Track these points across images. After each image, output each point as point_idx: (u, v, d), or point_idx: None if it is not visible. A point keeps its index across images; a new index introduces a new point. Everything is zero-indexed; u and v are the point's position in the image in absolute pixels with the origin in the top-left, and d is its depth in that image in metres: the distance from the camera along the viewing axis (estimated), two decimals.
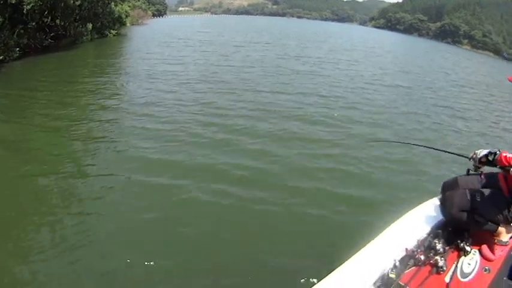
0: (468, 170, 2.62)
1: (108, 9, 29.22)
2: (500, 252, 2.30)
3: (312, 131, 9.07)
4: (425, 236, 2.40)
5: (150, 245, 4.48)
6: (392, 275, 2.03)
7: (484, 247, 2.32)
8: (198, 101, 10.91)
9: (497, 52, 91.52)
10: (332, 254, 3.60)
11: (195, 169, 6.54)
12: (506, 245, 2.34)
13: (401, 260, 2.17)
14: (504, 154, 2.23)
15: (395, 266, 2.11)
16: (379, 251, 2.21)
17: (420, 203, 2.75)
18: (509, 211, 2.29)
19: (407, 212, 2.64)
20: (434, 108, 13.24)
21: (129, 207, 5.21)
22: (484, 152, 2.41)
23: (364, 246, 2.26)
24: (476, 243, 2.36)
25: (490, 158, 2.32)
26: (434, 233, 2.41)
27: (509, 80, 2.41)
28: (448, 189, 2.59)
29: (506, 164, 2.21)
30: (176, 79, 13.55)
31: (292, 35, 43.24)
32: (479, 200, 2.32)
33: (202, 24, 52.62)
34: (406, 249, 2.23)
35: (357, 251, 2.22)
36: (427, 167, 7.45)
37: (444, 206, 2.53)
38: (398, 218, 2.56)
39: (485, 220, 2.31)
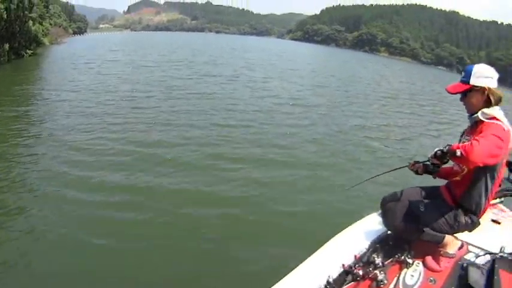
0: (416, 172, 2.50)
1: (25, 28, 28.95)
2: (446, 264, 2.25)
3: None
4: (363, 251, 2.35)
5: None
6: None
7: (429, 258, 2.27)
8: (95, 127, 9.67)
9: (415, 57, 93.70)
10: (267, 272, 3.35)
11: (121, 190, 6.17)
12: (452, 257, 2.27)
13: (338, 276, 2.16)
14: (453, 144, 2.10)
15: (329, 282, 2.09)
16: (314, 268, 2.19)
17: (358, 219, 2.73)
18: (455, 220, 2.24)
19: (346, 228, 2.62)
20: (359, 130, 11.51)
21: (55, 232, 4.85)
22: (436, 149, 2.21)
23: (300, 264, 2.22)
24: (420, 255, 2.31)
25: (444, 149, 2.08)
26: (373, 247, 2.37)
27: (447, 90, 2.29)
28: (389, 202, 2.48)
29: (454, 148, 2.00)
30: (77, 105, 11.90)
31: (206, 51, 41.17)
32: (423, 210, 2.28)
33: (118, 43, 49.68)
34: (343, 265, 2.19)
35: (292, 269, 2.18)
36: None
37: (386, 218, 2.41)
38: (336, 235, 2.54)
39: (431, 230, 2.25)
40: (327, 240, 2.46)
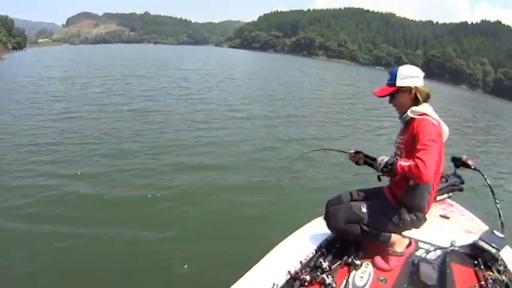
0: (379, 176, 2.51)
1: None
2: (396, 263, 2.25)
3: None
4: (310, 256, 2.33)
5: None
6: None
7: (377, 258, 2.27)
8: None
9: (353, 59, 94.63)
10: (212, 284, 3.47)
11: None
12: (401, 255, 2.30)
13: (286, 283, 2.11)
14: (399, 163, 2.15)
15: None
16: (260, 277, 2.14)
17: (304, 224, 2.74)
18: (400, 218, 2.27)
19: (291, 234, 2.61)
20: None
21: None
22: (385, 160, 2.25)
23: (244, 274, 2.19)
24: (368, 256, 2.32)
25: (389, 167, 2.20)
26: (320, 252, 2.35)
27: (374, 94, 2.40)
28: (332, 205, 2.49)
29: (400, 171, 2.13)
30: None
31: (143, 63, 36.81)
32: (365, 210, 2.29)
33: (56, 58, 43.85)
34: (289, 271, 2.14)
35: (237, 280, 2.15)
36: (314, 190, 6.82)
37: (329, 221, 2.41)
38: (281, 241, 2.52)
39: (376, 230, 2.29)
40: (272, 248, 2.41)
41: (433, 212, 2.69)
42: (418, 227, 2.35)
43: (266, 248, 2.40)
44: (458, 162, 3.14)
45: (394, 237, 2.28)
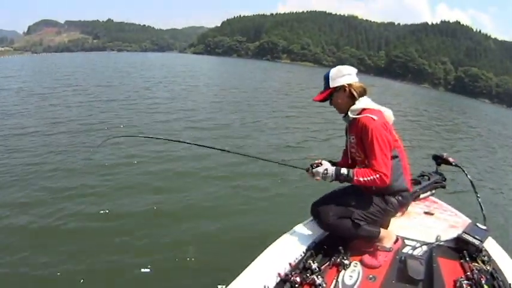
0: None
1: None
2: (384, 258, 2.31)
3: None
4: (299, 258, 2.36)
5: None
6: None
7: (366, 256, 2.34)
8: None
9: (316, 61, 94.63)
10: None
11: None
12: (389, 251, 2.36)
13: (276, 286, 2.15)
14: (356, 178, 2.24)
15: None
16: (249, 281, 2.15)
17: (292, 227, 2.72)
18: (387, 203, 2.35)
19: (280, 237, 2.61)
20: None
21: None
22: (331, 171, 2.32)
23: (235, 278, 2.19)
24: (356, 255, 2.38)
25: (348, 177, 2.27)
26: (309, 253, 2.39)
27: (315, 100, 2.46)
28: (321, 205, 2.49)
29: (359, 184, 2.26)
30: None
31: (104, 72, 33.26)
32: (354, 203, 2.34)
33: (15, 68, 37.97)
34: (279, 274, 2.18)
35: (228, 284, 2.17)
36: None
37: (321, 220, 2.44)
38: (269, 245, 2.52)
39: (367, 220, 2.34)
40: (261, 252, 2.42)
41: (417, 209, 2.88)
42: (407, 207, 2.63)
43: (255, 252, 2.38)
44: (439, 160, 3.25)
45: (383, 232, 2.33)
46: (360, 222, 2.28)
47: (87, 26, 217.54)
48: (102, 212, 5.29)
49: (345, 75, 2.27)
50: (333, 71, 2.31)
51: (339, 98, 2.30)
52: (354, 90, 2.26)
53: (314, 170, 2.30)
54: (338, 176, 2.23)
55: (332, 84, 2.28)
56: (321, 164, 2.31)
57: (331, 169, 2.24)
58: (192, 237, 4.80)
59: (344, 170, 2.21)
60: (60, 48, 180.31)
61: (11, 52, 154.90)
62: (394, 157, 2.27)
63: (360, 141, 2.23)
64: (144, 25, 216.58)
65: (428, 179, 3.22)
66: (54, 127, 10.73)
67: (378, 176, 2.11)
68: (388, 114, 2.29)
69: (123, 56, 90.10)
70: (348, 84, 2.27)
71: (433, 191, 3.27)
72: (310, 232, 2.57)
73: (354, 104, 2.26)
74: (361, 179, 2.16)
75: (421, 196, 3.13)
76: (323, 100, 2.35)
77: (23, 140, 9.25)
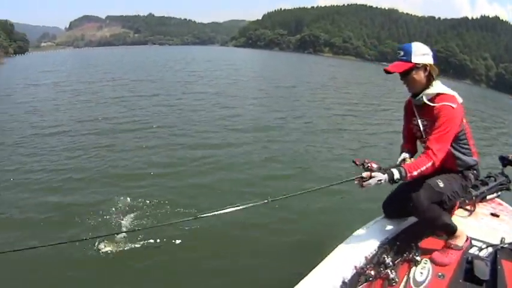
0: None
1: None
2: (453, 257, 2.33)
3: None
4: (373, 252, 2.45)
5: None
6: None
7: (436, 254, 2.36)
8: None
9: (358, 55, 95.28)
10: (282, 278, 3.33)
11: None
12: (460, 250, 2.37)
13: (351, 278, 2.23)
14: (409, 175, 2.20)
15: (344, 283, 2.17)
16: (328, 272, 2.25)
17: (365, 223, 2.82)
18: (465, 179, 2.42)
19: (354, 231, 2.71)
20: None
21: None
22: (384, 178, 2.21)
23: (312, 269, 2.28)
24: (427, 252, 2.41)
25: (400, 175, 2.20)
26: (382, 248, 2.48)
27: (386, 70, 2.31)
28: (411, 192, 2.36)
29: (413, 178, 2.23)
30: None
31: (147, 66, 35.35)
32: (443, 185, 2.33)
33: (56, 62, 43.22)
34: (355, 266, 2.27)
35: (306, 274, 2.23)
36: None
37: (415, 208, 2.34)
38: (345, 239, 2.62)
39: (453, 200, 2.44)
40: (338, 244, 2.51)
41: (484, 210, 2.88)
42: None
43: (332, 244, 2.51)
44: (505, 161, 3.15)
45: (458, 231, 2.36)
46: (448, 203, 2.36)
47: (128, 21, 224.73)
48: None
49: (426, 53, 2.21)
50: (416, 46, 2.23)
51: (418, 76, 2.22)
52: (434, 71, 2.22)
53: (366, 183, 2.18)
54: (392, 182, 2.18)
55: (414, 60, 2.18)
56: (372, 176, 2.16)
57: (383, 177, 2.13)
58: (274, 229, 5.11)
59: (396, 174, 2.13)
60: (101, 43, 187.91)
61: (54, 47, 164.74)
62: (461, 135, 2.31)
63: (432, 125, 2.21)
64: (185, 19, 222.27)
65: (495, 180, 3.11)
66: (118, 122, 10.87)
67: (430, 163, 2.12)
68: (458, 96, 2.23)
69: (166, 50, 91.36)
70: (429, 64, 2.22)
71: (499, 193, 3.19)
72: (383, 228, 2.69)
73: (427, 86, 2.23)
74: (415, 173, 2.14)
75: (488, 197, 3.06)
76: (401, 72, 2.25)
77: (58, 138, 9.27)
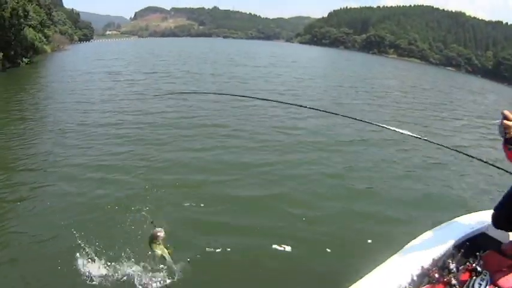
0: None
1: (20, 36, 28.97)
2: None
3: None
4: (440, 255, 2.47)
5: None
6: None
7: (499, 273, 2.27)
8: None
9: (423, 58, 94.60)
10: (348, 272, 3.56)
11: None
12: None
13: (417, 277, 2.25)
14: None
15: (409, 281, 2.19)
16: (396, 267, 2.30)
17: (440, 222, 2.94)
18: None
19: (426, 231, 2.76)
20: None
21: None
22: None
23: (382, 263, 2.35)
24: (489, 265, 2.36)
25: None
26: (450, 253, 2.50)
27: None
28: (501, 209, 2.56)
29: None
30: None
31: (212, 59, 37.17)
32: None
33: (117, 51, 47.75)
34: (422, 267, 2.30)
35: (374, 268, 2.31)
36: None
37: None
38: (416, 237, 2.67)
39: None
40: (409, 241, 2.62)
41: None
42: None
43: (403, 240, 2.62)
44: None
45: None
46: None
47: (193, 13, 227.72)
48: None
49: None
50: None
51: None
52: None
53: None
54: None
55: None
56: None
57: None
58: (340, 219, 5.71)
59: None
60: (166, 34, 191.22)
61: (118, 35, 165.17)
62: None
63: None
64: (250, 13, 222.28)
65: None
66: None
67: None
68: None
69: (237, 43, 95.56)
70: None
71: None
72: (450, 234, 2.70)
73: None
74: None
75: None
76: None
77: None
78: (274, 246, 4.81)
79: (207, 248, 4.70)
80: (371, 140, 10.63)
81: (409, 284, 2.18)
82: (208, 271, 4.33)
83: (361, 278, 2.21)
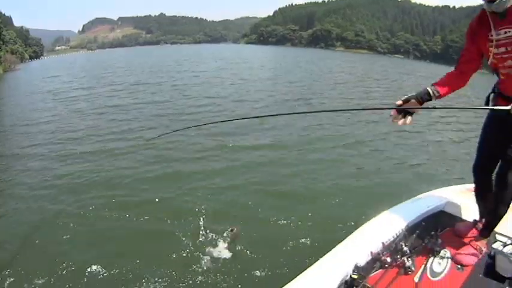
0: None
1: None
2: (474, 259, 2.23)
3: None
4: (391, 239, 2.41)
5: None
6: (355, 276, 2.07)
7: (457, 252, 2.29)
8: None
9: (371, 48, 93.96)
10: (297, 260, 3.86)
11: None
12: (482, 252, 2.27)
13: (366, 263, 2.21)
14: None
15: (357, 267, 2.13)
16: (343, 255, 2.25)
17: (387, 208, 2.81)
18: None
19: (374, 216, 2.69)
20: None
21: None
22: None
23: (328, 252, 2.31)
24: (447, 244, 2.36)
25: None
26: (401, 236, 2.43)
27: None
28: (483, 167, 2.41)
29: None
30: None
31: (156, 67, 34.42)
32: None
33: (66, 66, 44.08)
34: (371, 252, 2.26)
35: (321, 257, 2.26)
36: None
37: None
38: (364, 223, 2.62)
39: None
40: (355, 230, 2.51)
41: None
42: None
43: (351, 228, 2.53)
44: None
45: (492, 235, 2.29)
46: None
47: (140, 21, 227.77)
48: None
49: None
50: None
51: None
52: None
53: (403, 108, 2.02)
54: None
55: None
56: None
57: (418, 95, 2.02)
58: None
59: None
60: (114, 44, 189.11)
61: (68, 50, 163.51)
62: None
63: None
64: (197, 17, 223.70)
65: None
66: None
67: None
68: None
69: (184, 49, 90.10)
70: None
71: None
72: (404, 215, 2.64)
73: None
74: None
75: None
76: None
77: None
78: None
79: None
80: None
81: (356, 269, 2.10)
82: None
83: (308, 267, 2.15)
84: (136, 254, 4.42)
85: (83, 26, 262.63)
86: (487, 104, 2.21)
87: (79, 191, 6.54)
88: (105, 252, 4.55)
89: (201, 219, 5.11)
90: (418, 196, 3.07)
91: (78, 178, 7.25)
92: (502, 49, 1.94)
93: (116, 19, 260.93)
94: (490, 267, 2.06)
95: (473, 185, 2.54)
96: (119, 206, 5.79)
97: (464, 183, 3.32)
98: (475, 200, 2.58)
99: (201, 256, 4.40)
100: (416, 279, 2.09)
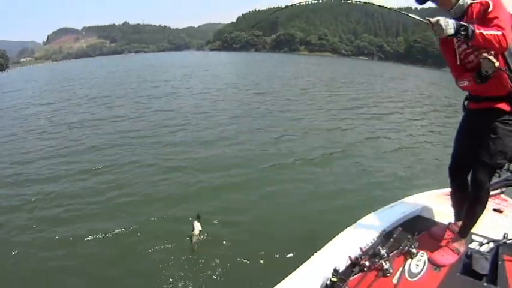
0: None
1: None
2: (451, 259, 2.27)
3: None
4: (369, 244, 2.46)
5: None
6: (334, 279, 2.09)
7: (433, 253, 2.32)
8: None
9: (335, 51, 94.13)
10: (276, 269, 3.31)
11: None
12: (458, 253, 2.31)
13: (346, 268, 2.25)
14: (480, 31, 1.90)
15: (337, 271, 2.14)
16: (322, 261, 2.27)
17: (365, 214, 2.86)
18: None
19: (353, 223, 2.74)
20: None
21: None
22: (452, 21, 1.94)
23: (307, 259, 2.32)
24: (424, 247, 2.41)
25: (463, 33, 1.97)
26: (379, 240, 2.46)
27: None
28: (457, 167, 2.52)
29: (481, 39, 1.93)
30: None
31: (117, 78, 32.04)
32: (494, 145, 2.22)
33: (26, 79, 40.67)
34: (350, 257, 2.27)
35: (301, 264, 2.28)
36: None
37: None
38: (343, 229, 2.65)
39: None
40: (335, 236, 2.54)
41: (487, 205, 2.60)
42: None
43: (330, 235, 2.49)
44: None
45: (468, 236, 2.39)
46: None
47: (104, 31, 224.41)
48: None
49: None
50: None
51: None
52: None
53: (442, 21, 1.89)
54: (459, 29, 1.88)
55: None
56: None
57: (452, 21, 1.88)
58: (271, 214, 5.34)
59: (470, 29, 1.86)
60: (79, 55, 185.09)
61: (32, 62, 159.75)
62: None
63: (480, 25, 1.92)
64: (161, 25, 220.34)
65: (499, 176, 3.03)
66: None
67: (500, 32, 1.84)
68: None
69: (148, 58, 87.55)
70: None
71: (503, 189, 3.23)
72: (381, 221, 2.69)
73: None
74: (485, 32, 1.84)
75: (491, 193, 2.93)
76: None
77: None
78: None
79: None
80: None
81: (338, 274, 2.13)
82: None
83: (288, 274, 2.17)
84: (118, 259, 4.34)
85: (48, 36, 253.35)
86: (463, 107, 2.42)
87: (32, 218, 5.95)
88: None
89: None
90: (396, 202, 3.10)
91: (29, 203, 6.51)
92: (464, 46, 2.15)
93: (80, 29, 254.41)
94: (467, 266, 2.19)
95: (448, 190, 2.66)
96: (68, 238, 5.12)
97: (440, 188, 3.35)
98: (450, 204, 2.69)
99: (172, 258, 4.29)
100: (394, 281, 2.12)
